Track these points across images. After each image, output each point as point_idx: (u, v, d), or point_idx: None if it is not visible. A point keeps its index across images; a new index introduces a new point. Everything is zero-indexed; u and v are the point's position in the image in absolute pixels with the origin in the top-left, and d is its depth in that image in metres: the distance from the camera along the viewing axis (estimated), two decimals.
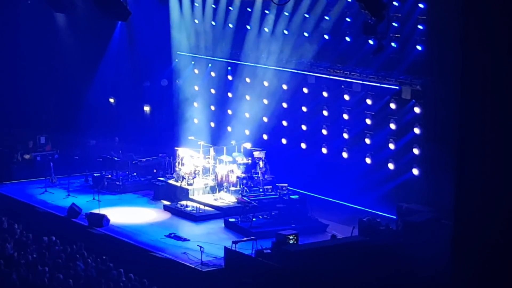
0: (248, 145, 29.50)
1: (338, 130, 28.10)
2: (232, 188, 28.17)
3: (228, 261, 22.29)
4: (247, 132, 30.63)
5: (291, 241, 22.35)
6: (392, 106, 26.11)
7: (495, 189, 14.20)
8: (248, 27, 30.53)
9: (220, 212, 27.06)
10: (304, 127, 29.48)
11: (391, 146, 26.22)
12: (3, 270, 20.15)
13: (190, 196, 28.05)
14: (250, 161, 28.80)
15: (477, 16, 14.15)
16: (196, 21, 32.29)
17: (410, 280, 20.03)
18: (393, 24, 25.42)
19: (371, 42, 25.62)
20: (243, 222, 25.85)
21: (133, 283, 20.05)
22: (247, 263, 21.83)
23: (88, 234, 25.16)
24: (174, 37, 32.75)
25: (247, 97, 30.88)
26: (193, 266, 22.56)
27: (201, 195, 28.34)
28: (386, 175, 26.33)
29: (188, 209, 27.35)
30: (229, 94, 31.93)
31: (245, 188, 27.92)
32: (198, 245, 23.15)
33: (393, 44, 25.72)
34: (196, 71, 33.21)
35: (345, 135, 27.88)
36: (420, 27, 25.07)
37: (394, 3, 25.55)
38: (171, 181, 29.05)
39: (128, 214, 27.34)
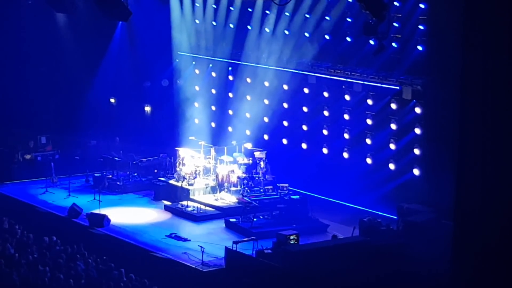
0: (249, 145, 29.49)
1: (339, 130, 28.10)
2: (233, 188, 28.17)
3: (228, 261, 22.29)
4: (248, 132, 30.63)
5: (291, 241, 22.36)
6: (393, 106, 26.11)
7: (495, 189, 14.20)
8: (249, 27, 30.52)
9: (221, 212, 27.07)
10: (305, 127, 29.48)
11: (392, 146, 26.22)
12: (4, 270, 20.16)
13: (191, 196, 28.06)
14: (251, 161, 28.80)
15: (477, 16, 14.16)
16: (197, 21, 32.28)
17: (410, 280, 20.03)
18: (394, 24, 25.43)
19: (372, 42, 25.61)
20: (243, 222, 25.85)
21: (134, 283, 20.06)
22: (248, 263, 21.84)
23: (89, 234, 25.16)
24: (175, 37, 32.75)
25: (248, 97, 30.87)
26: (194, 266, 22.57)
27: (201, 195, 28.34)
28: (386, 175, 26.33)
29: (189, 209, 27.36)
30: (230, 94, 31.92)
31: (246, 188, 27.92)
32: (198, 245, 23.16)
33: (393, 44, 25.71)
34: (197, 71, 33.22)
35: (346, 135, 27.88)
36: (420, 27, 25.07)
37: (395, 3, 25.55)
38: (172, 181, 29.06)
39: (128, 214, 27.35)
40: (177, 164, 29.34)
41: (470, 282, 14.63)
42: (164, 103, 33.78)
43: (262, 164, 28.62)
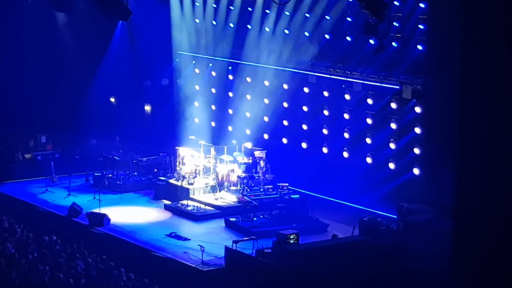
0: (248, 145, 29.49)
1: (339, 129, 28.09)
2: (233, 188, 28.16)
3: (228, 260, 22.29)
4: (247, 131, 30.62)
5: (291, 241, 22.36)
6: (393, 105, 26.12)
7: (495, 189, 14.20)
8: (249, 26, 30.51)
9: (221, 212, 27.06)
10: (304, 127, 29.48)
11: (392, 145, 26.23)
12: (4, 269, 20.16)
13: (191, 196, 28.06)
14: (250, 161, 28.79)
15: (477, 15, 14.15)
16: (197, 20, 32.27)
17: (410, 279, 20.05)
18: (394, 23, 25.44)
19: (372, 41, 25.63)
20: (243, 221, 25.85)
21: (134, 282, 20.06)
22: (248, 262, 21.83)
23: (89, 234, 25.16)
24: (175, 36, 32.74)
25: (248, 97, 30.87)
26: (194, 266, 22.57)
27: (201, 194, 28.34)
28: (386, 175, 26.34)
29: (189, 208, 27.36)
30: (230, 94, 31.92)
31: (246, 187, 27.93)
32: (198, 245, 23.16)
33: (394, 43, 25.72)
34: (197, 70, 33.21)
35: (346, 135, 27.88)
36: (421, 26, 25.08)
37: (395, 2, 25.57)
38: (172, 181, 29.06)
39: (128, 214, 27.35)
40: (177, 163, 29.33)
41: (470, 281, 14.63)
42: (164, 102, 33.78)
43: (262, 163, 28.62)
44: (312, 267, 20.60)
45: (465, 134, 14.65)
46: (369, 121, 27.03)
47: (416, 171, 25.32)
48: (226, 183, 28.35)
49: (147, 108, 34.65)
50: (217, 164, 28.85)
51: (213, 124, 32.34)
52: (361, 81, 27.06)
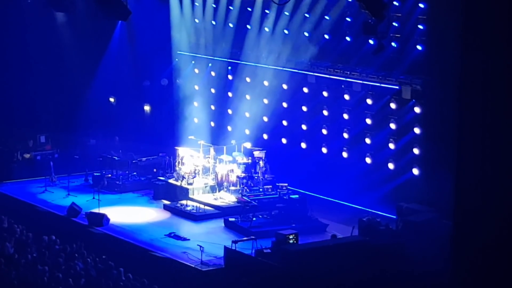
0: (248, 145, 29.50)
1: (338, 129, 28.09)
2: (232, 188, 28.17)
3: (228, 260, 22.30)
4: (247, 131, 30.63)
5: (291, 241, 22.37)
6: (392, 105, 26.12)
7: (494, 189, 14.20)
8: (248, 26, 30.51)
9: (220, 212, 27.07)
10: (304, 127, 29.48)
11: (391, 146, 26.23)
12: (3, 269, 20.15)
13: (190, 196, 28.06)
14: (250, 161, 28.80)
15: (476, 16, 14.15)
16: (197, 20, 32.27)
17: (409, 279, 20.04)
18: (393, 24, 25.45)
19: (371, 42, 25.61)
20: (243, 221, 25.85)
21: (133, 282, 20.05)
22: (247, 262, 21.84)
23: (88, 234, 25.16)
24: (174, 36, 32.75)
25: (247, 97, 30.87)
26: (193, 266, 22.57)
27: (201, 194, 28.34)
28: (386, 175, 26.33)
29: (188, 208, 27.36)
30: (229, 94, 31.92)
31: (245, 187, 27.93)
32: (198, 245, 23.16)
33: (393, 44, 25.71)
34: (196, 70, 33.21)
35: (345, 135, 27.87)
36: (420, 27, 25.07)
37: (394, 3, 25.56)
38: (171, 181, 29.06)
39: (128, 214, 27.35)
40: (177, 163, 29.34)
41: (469, 281, 14.63)
42: (164, 102, 33.78)
43: (261, 163, 28.62)
44: (311, 267, 20.61)
45: (464, 134, 14.65)
46: (368, 121, 27.03)
47: (415, 171, 25.32)
48: (225, 183, 28.36)
49: (147, 108, 34.65)
50: (217, 164, 28.85)
51: (212, 124, 32.35)
52: (361, 81, 27.06)
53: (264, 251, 21.95)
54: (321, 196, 28.27)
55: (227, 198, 27.90)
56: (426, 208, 23.63)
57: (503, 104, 14.04)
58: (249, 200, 26.79)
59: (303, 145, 29.50)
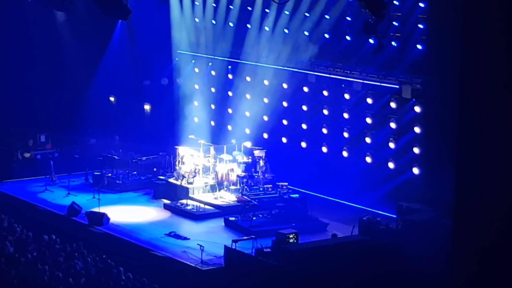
0: (248, 144, 29.50)
1: (338, 129, 28.09)
2: (232, 187, 28.18)
3: (228, 260, 22.29)
4: (247, 131, 30.63)
5: (291, 240, 22.38)
6: (393, 105, 26.12)
7: (494, 188, 14.20)
8: (248, 25, 30.51)
9: (220, 211, 27.07)
10: (304, 126, 29.48)
11: (391, 145, 26.23)
12: (3, 268, 20.15)
13: (190, 195, 28.06)
14: (250, 160, 28.80)
15: (476, 15, 14.15)
16: (197, 19, 32.27)
17: (410, 279, 20.03)
18: (394, 23, 25.44)
19: (371, 41, 25.61)
20: (243, 221, 25.85)
21: (133, 281, 20.05)
22: (247, 262, 21.83)
23: (88, 233, 25.16)
24: (175, 35, 32.75)
25: (248, 96, 30.87)
26: (193, 265, 22.57)
27: (201, 193, 28.34)
28: (386, 174, 26.33)
29: (188, 207, 27.37)
30: (230, 93, 31.92)
31: (245, 187, 27.93)
32: (198, 244, 23.16)
33: (393, 43, 25.72)
34: (196, 69, 33.21)
35: (345, 134, 27.87)
36: (420, 26, 25.08)
37: (395, 2, 25.56)
38: (171, 180, 29.06)
39: (128, 213, 27.36)
40: (177, 162, 29.34)
41: (469, 281, 14.63)
42: (164, 101, 33.79)
43: (261, 162, 28.63)
44: (312, 266, 20.61)
45: (464, 133, 14.65)
46: (368, 120, 27.03)
47: (415, 170, 25.32)
48: (225, 183, 28.36)
49: (147, 107, 34.65)
50: (217, 163, 28.85)
51: (212, 123, 32.35)
52: (361, 81, 27.06)
53: (264, 250, 21.95)
54: (321, 196, 28.28)
55: (227, 198, 27.90)
56: (426, 208, 23.63)
57: (503, 104, 14.04)
58: (249, 199, 26.79)
59: (303, 144, 29.50)
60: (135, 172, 30.42)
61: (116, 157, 30.42)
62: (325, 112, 28.62)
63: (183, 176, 28.59)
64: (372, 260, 20.87)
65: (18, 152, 31.80)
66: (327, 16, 27.93)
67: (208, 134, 30.97)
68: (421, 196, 24.25)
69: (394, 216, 24.53)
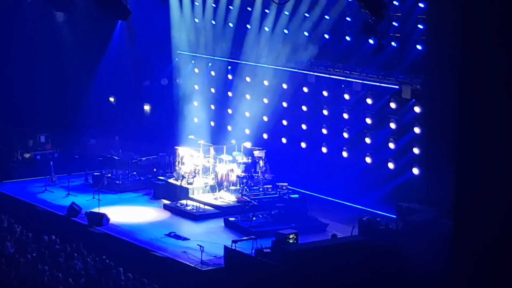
0: (248, 144, 29.49)
1: (338, 129, 28.09)
2: (232, 187, 28.17)
3: (228, 260, 22.28)
4: (247, 131, 30.62)
5: (291, 241, 22.35)
6: (392, 105, 26.11)
7: (494, 188, 14.21)
8: (248, 26, 30.51)
9: (220, 211, 27.07)
10: (304, 126, 29.47)
11: (391, 145, 26.23)
12: (3, 269, 20.14)
13: (190, 195, 28.06)
14: (250, 160, 28.79)
15: (476, 15, 14.16)
16: (196, 20, 32.27)
17: (409, 279, 20.03)
18: (393, 23, 25.42)
19: (371, 41, 25.61)
20: (243, 221, 25.84)
21: (133, 282, 20.05)
22: (247, 262, 21.83)
23: (88, 233, 25.16)
24: (174, 36, 32.74)
25: (247, 96, 30.87)
26: (193, 265, 22.56)
27: (201, 194, 28.34)
28: (386, 175, 26.33)
29: (188, 208, 27.36)
30: (229, 93, 31.91)
31: (245, 187, 27.92)
32: (198, 244, 23.16)
33: (393, 43, 25.72)
34: (196, 70, 33.20)
35: (345, 135, 27.87)
36: (420, 26, 25.07)
37: (394, 2, 25.55)
38: (171, 180, 29.05)
39: (128, 213, 27.35)
40: (177, 163, 29.33)
41: (469, 281, 14.64)
42: (164, 102, 33.78)
43: (261, 163, 28.61)
44: (311, 267, 20.60)
45: (464, 133, 14.67)
46: (368, 120, 27.03)
47: (415, 170, 25.32)
48: (225, 183, 28.36)
49: (147, 107, 34.64)
50: (217, 164, 28.84)
51: (212, 123, 32.35)
52: (361, 81, 27.06)
53: (264, 250, 21.93)
54: (321, 196, 28.27)
55: (227, 198, 27.89)
56: (426, 208, 23.61)
57: (503, 104, 14.05)
58: (249, 199, 26.78)
59: (303, 145, 29.50)
60: (135, 173, 30.42)
61: (116, 157, 30.41)
62: (325, 112, 28.61)
63: (183, 177, 28.58)
64: (372, 260, 20.88)
65: (18, 153, 31.79)
66: (326, 17, 27.93)
67: (208, 134, 30.96)
68: (421, 196, 24.24)
69: (394, 216, 24.52)
